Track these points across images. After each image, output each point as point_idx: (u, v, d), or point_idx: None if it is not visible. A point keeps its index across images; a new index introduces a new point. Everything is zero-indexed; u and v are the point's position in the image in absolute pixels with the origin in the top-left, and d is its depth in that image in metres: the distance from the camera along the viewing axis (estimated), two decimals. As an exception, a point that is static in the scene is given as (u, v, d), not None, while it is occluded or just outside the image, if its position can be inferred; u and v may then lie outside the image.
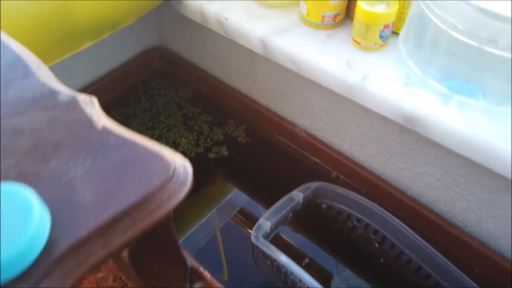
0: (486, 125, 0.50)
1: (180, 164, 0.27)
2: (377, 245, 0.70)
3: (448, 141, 0.53)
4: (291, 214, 0.72)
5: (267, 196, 0.79)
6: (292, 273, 0.61)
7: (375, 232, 0.69)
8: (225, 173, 0.83)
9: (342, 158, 0.78)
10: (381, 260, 0.70)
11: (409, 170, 0.70)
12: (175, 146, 0.84)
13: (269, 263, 0.67)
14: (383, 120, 0.67)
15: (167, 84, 0.97)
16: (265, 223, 0.66)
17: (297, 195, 0.71)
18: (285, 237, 0.74)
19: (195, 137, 0.86)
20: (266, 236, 0.69)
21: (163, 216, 0.25)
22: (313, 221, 0.75)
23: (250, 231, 0.66)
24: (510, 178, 0.51)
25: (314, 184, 0.72)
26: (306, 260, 0.72)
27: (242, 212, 0.78)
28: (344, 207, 0.71)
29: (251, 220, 0.77)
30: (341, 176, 0.79)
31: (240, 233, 0.77)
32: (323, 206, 0.73)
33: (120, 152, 0.27)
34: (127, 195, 0.24)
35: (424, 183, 0.70)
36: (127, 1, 0.63)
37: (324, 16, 0.63)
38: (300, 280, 0.60)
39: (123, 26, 0.66)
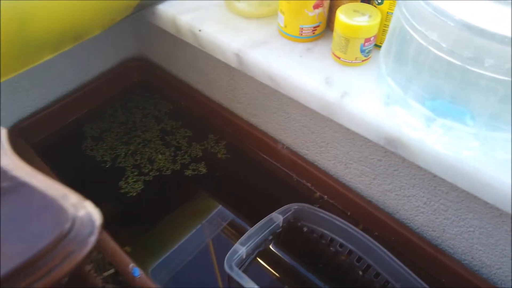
0: (474, 151, 0.45)
1: (85, 215, 0.22)
2: (361, 273, 0.65)
3: (433, 166, 0.49)
4: (271, 237, 0.67)
5: (249, 214, 0.74)
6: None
7: (359, 259, 0.64)
8: (204, 191, 0.78)
9: (326, 177, 0.73)
10: (366, 289, 0.65)
11: (395, 192, 0.66)
12: (150, 162, 0.80)
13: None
14: (366, 139, 0.63)
15: (146, 96, 0.93)
16: (240, 248, 0.62)
17: (277, 217, 0.66)
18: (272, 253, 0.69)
19: (172, 153, 0.81)
20: (241, 263, 0.65)
21: (54, 282, 0.20)
22: (295, 244, 0.70)
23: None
24: (502, 207, 0.46)
25: (294, 206, 0.67)
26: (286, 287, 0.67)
27: (232, 224, 0.73)
28: (326, 231, 0.67)
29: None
30: (325, 196, 0.75)
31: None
32: (305, 229, 0.68)
33: (10, 199, 0.22)
34: (6, 260, 0.20)
35: (411, 206, 0.65)
36: (90, 12, 0.59)
37: (302, 29, 0.59)
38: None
39: (88, 37, 0.62)
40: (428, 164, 0.49)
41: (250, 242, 0.63)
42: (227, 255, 0.60)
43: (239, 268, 0.62)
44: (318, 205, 0.74)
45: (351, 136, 0.64)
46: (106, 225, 0.71)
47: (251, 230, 0.64)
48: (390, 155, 0.62)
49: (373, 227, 0.69)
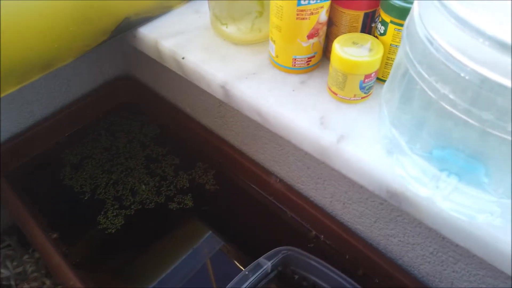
0: (491, 216, 0.39)
1: None
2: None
3: (442, 228, 0.42)
4: (263, 283, 0.61)
5: (239, 253, 0.68)
6: None
7: None
8: (189, 226, 0.72)
9: (322, 215, 0.67)
10: None
11: (398, 238, 0.59)
12: (132, 193, 0.73)
13: None
14: (366, 181, 0.56)
15: (132, 118, 0.87)
16: None
17: (264, 262, 0.60)
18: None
19: (157, 183, 0.75)
20: None
21: None
22: None
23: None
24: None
25: (283, 250, 0.61)
26: None
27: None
28: (318, 281, 0.60)
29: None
30: (321, 236, 0.68)
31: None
32: (296, 276, 0.62)
33: None
34: None
35: (416, 254, 0.58)
36: (60, 38, 0.53)
37: (295, 59, 0.53)
38: None
39: (59, 66, 0.56)
40: (437, 225, 0.42)
41: None
42: None
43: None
44: (313, 245, 0.67)
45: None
46: (83, 262, 0.66)
47: (237, 277, 0.58)
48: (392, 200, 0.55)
49: (373, 273, 0.63)
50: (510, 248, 0.38)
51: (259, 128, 0.67)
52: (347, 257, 0.66)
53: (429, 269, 0.58)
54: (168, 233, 0.70)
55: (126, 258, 0.68)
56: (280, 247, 0.61)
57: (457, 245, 0.52)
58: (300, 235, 0.69)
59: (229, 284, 0.57)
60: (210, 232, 0.70)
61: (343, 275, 0.58)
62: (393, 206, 0.56)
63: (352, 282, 0.57)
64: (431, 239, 0.54)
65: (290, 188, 0.70)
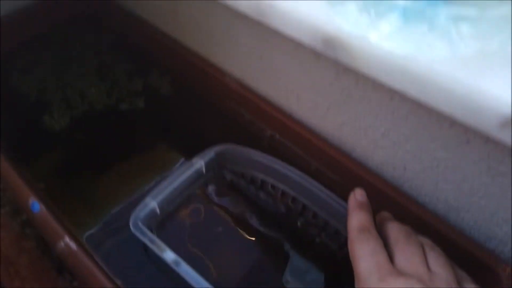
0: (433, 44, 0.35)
1: None
2: (299, 223, 0.56)
3: (378, 71, 0.38)
4: (196, 188, 0.57)
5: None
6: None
7: (294, 200, 0.55)
8: (143, 130, 0.69)
9: (278, 113, 0.63)
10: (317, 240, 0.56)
11: (350, 125, 0.55)
12: (82, 96, 0.70)
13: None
14: (314, 57, 0.52)
15: (87, 27, 0.82)
16: (150, 202, 0.51)
17: (197, 162, 0.56)
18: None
19: (109, 88, 0.71)
20: (156, 222, 0.54)
21: None
22: (228, 193, 0.60)
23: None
24: (461, 118, 0.36)
25: (215, 148, 0.56)
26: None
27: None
28: (256, 173, 0.57)
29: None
30: (277, 135, 0.65)
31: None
32: (229, 176, 0.59)
33: None
34: None
35: (369, 140, 0.55)
36: None
37: None
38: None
39: None
40: (372, 69, 0.38)
41: (164, 194, 0.52)
42: (133, 212, 0.49)
43: (156, 228, 0.52)
44: (267, 145, 0.64)
45: (299, 55, 0.54)
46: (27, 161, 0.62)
47: (165, 180, 0.53)
48: (341, 77, 0.51)
49: (327, 168, 0.60)
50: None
51: (210, 20, 0.63)
52: (300, 153, 0.62)
53: (383, 156, 0.55)
54: (134, 156, 0.65)
55: (85, 176, 0.63)
56: (213, 146, 0.57)
57: (406, 117, 0.48)
58: (257, 136, 0.66)
59: (156, 186, 0.52)
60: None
61: (290, 167, 0.54)
62: (343, 84, 0.52)
63: (300, 173, 0.53)
64: (382, 117, 0.51)
65: (245, 87, 0.66)
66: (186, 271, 0.42)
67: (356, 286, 0.29)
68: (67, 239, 0.48)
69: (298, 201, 0.55)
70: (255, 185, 0.58)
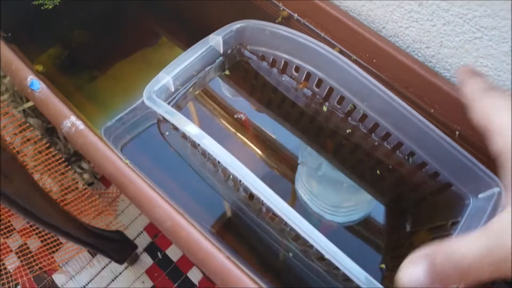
0: None
1: None
2: (324, 108, 0.52)
3: None
4: (210, 68, 0.52)
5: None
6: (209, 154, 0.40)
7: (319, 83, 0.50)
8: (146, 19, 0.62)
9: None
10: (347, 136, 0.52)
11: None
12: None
13: (181, 138, 0.48)
14: None
15: None
16: (164, 77, 0.46)
17: (214, 39, 0.50)
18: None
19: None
20: (168, 97, 0.49)
21: None
22: (244, 79, 0.55)
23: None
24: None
25: (237, 24, 0.50)
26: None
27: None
28: (281, 54, 0.51)
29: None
30: (295, 15, 0.58)
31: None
32: (253, 57, 0.53)
33: None
34: None
35: (400, 14, 0.49)
36: None
37: None
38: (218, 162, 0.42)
39: None
40: None
41: (179, 70, 0.47)
42: (147, 86, 0.44)
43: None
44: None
45: None
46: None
47: (180, 57, 0.47)
48: None
49: (352, 49, 0.54)
50: None
51: None
52: (322, 34, 0.56)
53: (416, 33, 0.49)
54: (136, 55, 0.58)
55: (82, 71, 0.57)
56: (235, 22, 0.51)
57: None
58: (274, 18, 0.59)
59: (161, 71, 0.46)
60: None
61: (319, 43, 0.48)
62: None
63: (331, 50, 0.47)
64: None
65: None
66: (212, 144, 0.39)
67: (490, 143, 0.26)
68: (73, 118, 0.45)
69: (325, 83, 0.50)
70: (277, 68, 0.53)
